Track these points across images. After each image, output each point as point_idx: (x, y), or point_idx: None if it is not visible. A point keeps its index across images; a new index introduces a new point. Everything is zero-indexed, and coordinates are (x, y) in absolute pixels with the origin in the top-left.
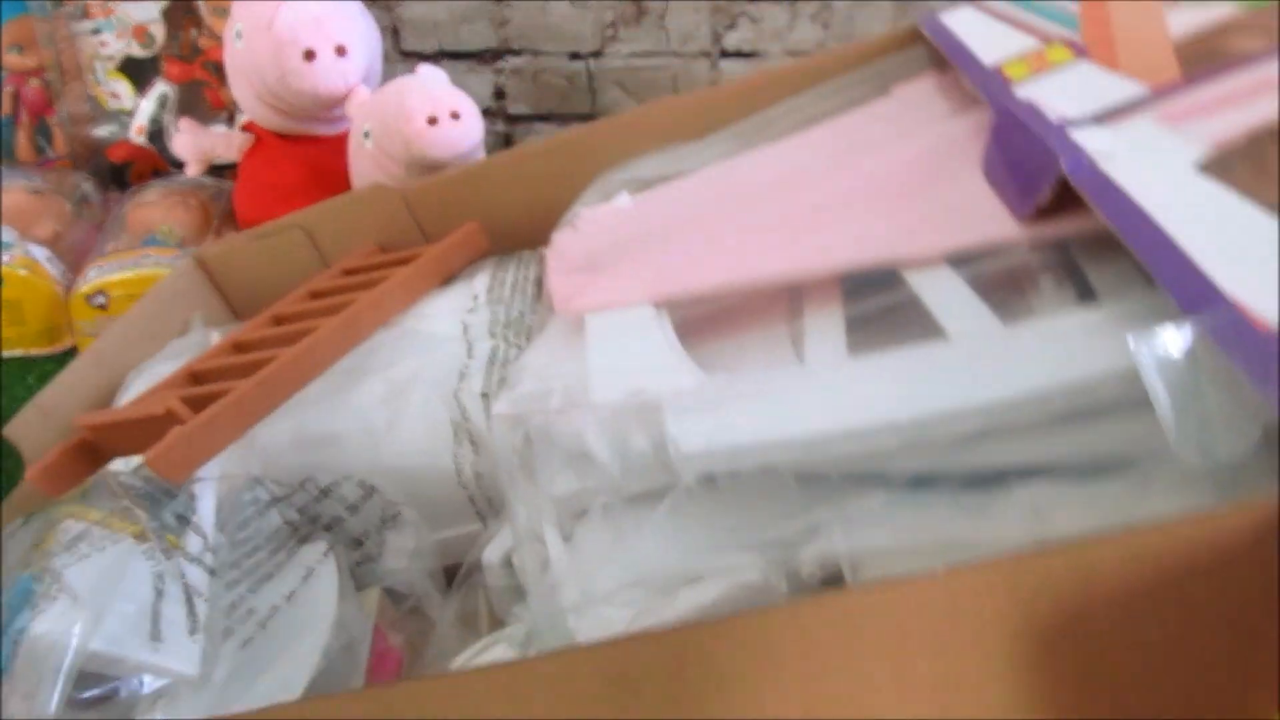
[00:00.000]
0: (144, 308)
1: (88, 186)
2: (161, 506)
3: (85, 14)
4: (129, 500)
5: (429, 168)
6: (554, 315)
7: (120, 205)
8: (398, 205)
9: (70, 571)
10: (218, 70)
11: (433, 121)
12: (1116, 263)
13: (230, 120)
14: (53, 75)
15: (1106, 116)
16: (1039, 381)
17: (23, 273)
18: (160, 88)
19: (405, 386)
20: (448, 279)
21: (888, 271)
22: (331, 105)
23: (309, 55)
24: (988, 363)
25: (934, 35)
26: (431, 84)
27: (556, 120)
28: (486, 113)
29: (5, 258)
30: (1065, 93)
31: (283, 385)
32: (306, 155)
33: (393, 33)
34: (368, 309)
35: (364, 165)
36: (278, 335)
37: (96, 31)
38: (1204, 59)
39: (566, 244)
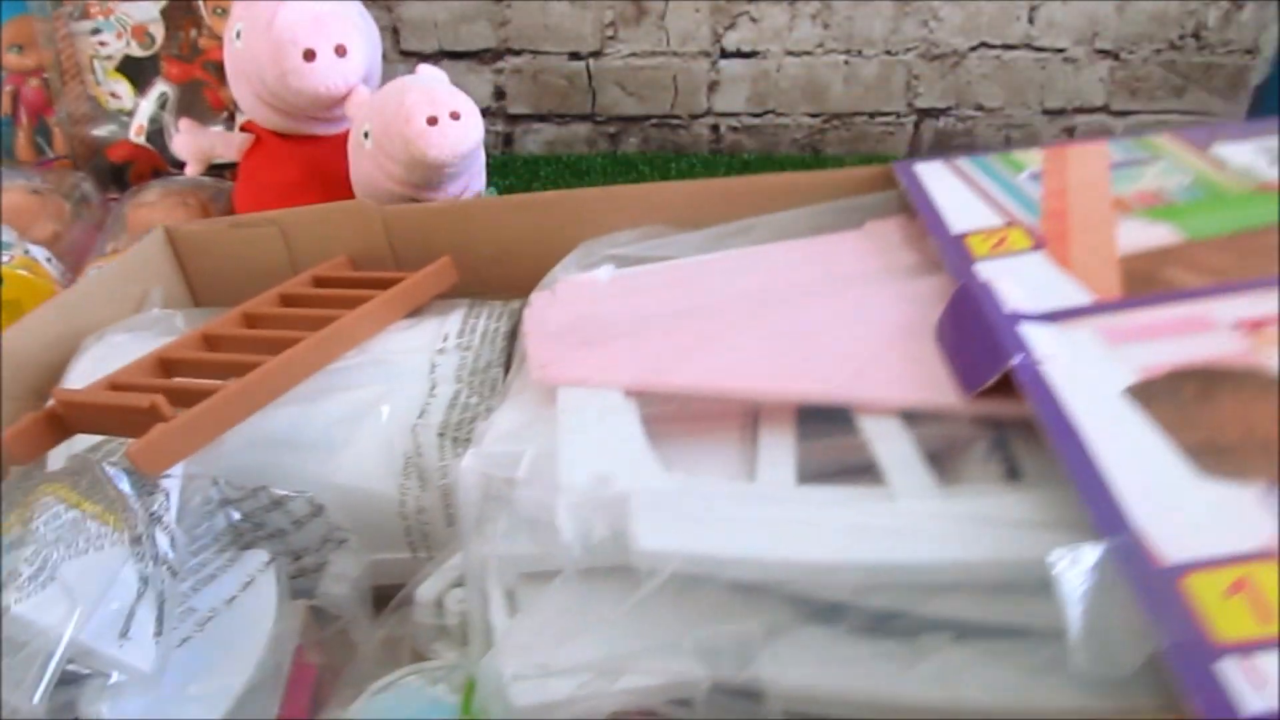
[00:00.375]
0: (112, 270)
1: (87, 186)
2: (142, 502)
3: (85, 14)
4: (115, 492)
5: (429, 167)
6: (526, 376)
7: (120, 205)
8: (376, 225)
9: (67, 565)
10: (218, 70)
11: (433, 121)
12: (1042, 449)
13: (230, 120)
14: (52, 75)
15: (1054, 316)
16: (968, 553)
17: (23, 273)
18: (160, 88)
19: (367, 410)
20: (418, 308)
21: (842, 409)
22: (331, 105)
23: (309, 55)
24: (924, 524)
25: (907, 185)
26: (431, 84)
27: (556, 120)
28: (486, 113)
29: (5, 258)
30: (1020, 282)
31: (263, 392)
32: (306, 155)
33: (393, 33)
34: (345, 329)
35: (364, 165)
36: (252, 338)
37: (96, 31)
38: (1144, 281)
39: (546, 309)
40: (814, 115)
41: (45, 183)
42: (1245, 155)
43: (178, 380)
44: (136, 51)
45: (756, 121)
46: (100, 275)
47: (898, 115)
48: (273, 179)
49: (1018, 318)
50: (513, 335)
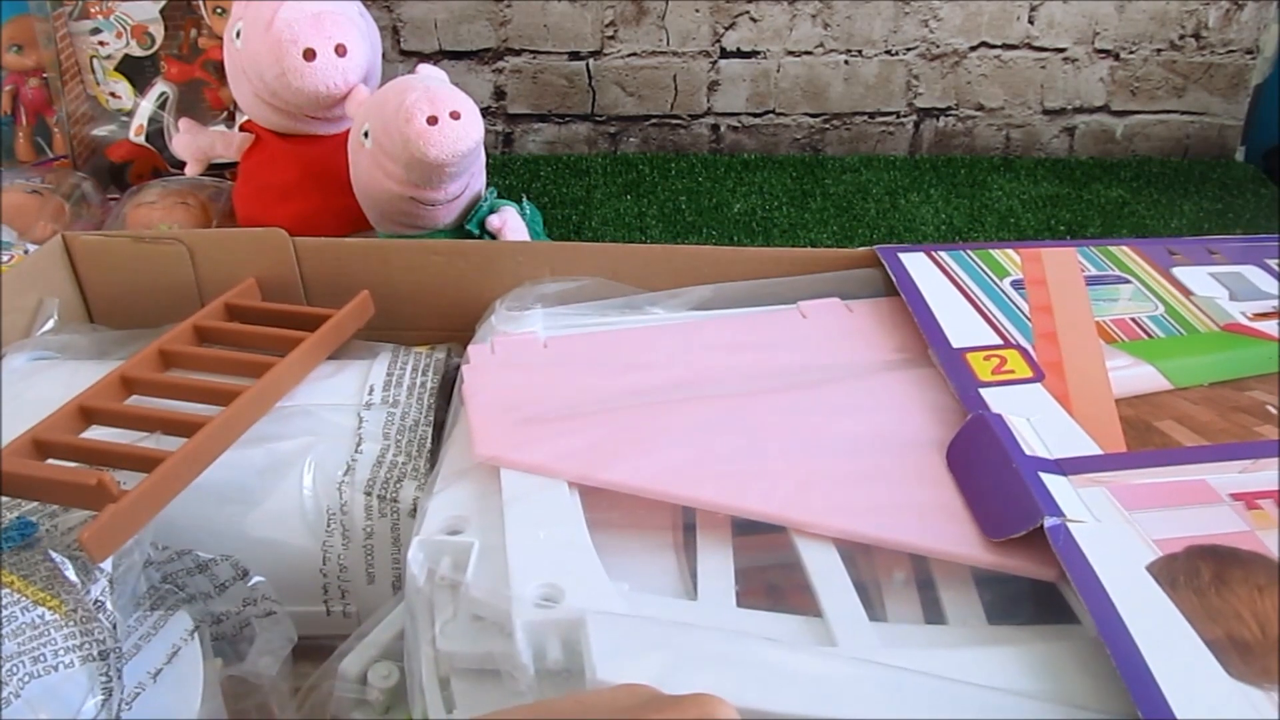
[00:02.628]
0: (7, 278)
1: (87, 186)
2: (87, 590)
3: (85, 14)
4: (65, 583)
5: (429, 167)
6: (464, 445)
7: (120, 205)
8: (286, 253)
9: (33, 686)
10: (218, 70)
11: (433, 121)
12: (968, 593)
13: (230, 120)
14: (52, 75)
15: (1066, 466)
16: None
17: None
18: (160, 87)
19: (291, 463)
20: (339, 345)
21: (779, 527)
22: (331, 104)
23: (309, 54)
24: (863, 677)
25: (898, 279)
26: (431, 84)
27: (556, 120)
28: (486, 113)
29: (5, 257)
30: (1030, 420)
31: (207, 456)
32: (306, 154)
33: (393, 33)
34: (279, 379)
35: (363, 164)
36: (177, 385)
37: (96, 31)
38: (1141, 431)
39: (484, 373)
40: (814, 115)
41: (45, 183)
42: (1205, 284)
43: (111, 444)
44: (136, 51)
45: (756, 121)
46: None
47: (898, 115)
48: (272, 178)
49: (1036, 463)
50: (440, 390)
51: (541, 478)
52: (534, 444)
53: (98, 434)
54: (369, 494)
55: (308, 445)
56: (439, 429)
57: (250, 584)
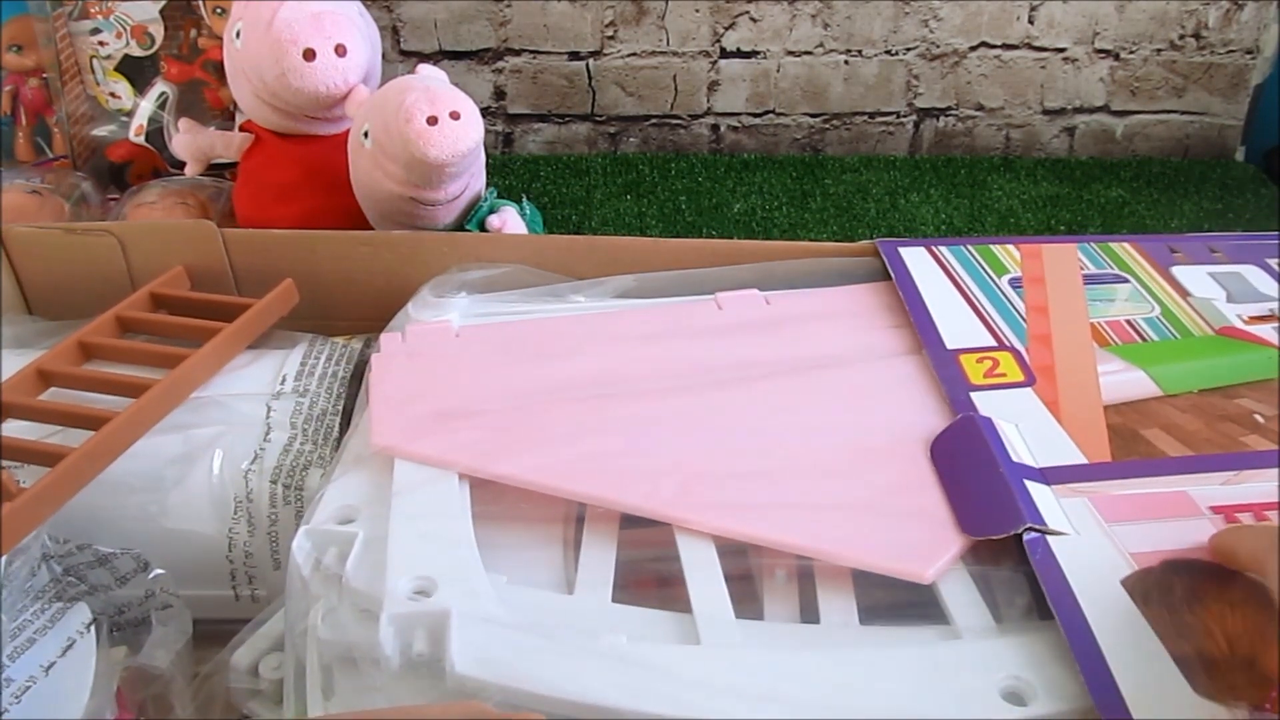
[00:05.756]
0: None
1: (87, 186)
2: None
3: (84, 14)
4: None
5: (429, 167)
6: (364, 436)
7: (119, 205)
8: (216, 245)
9: None
10: (218, 70)
11: (433, 121)
12: (845, 594)
13: (230, 120)
14: (52, 75)
15: (1050, 475)
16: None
17: None
18: (160, 87)
19: (200, 451)
20: (260, 334)
21: (664, 525)
22: (331, 105)
23: (308, 54)
24: (723, 674)
25: (895, 273)
26: (431, 83)
27: (556, 120)
28: (486, 113)
29: None
30: (1018, 425)
31: (112, 450)
32: (306, 155)
33: (393, 33)
34: (192, 371)
35: (363, 165)
36: (91, 378)
37: (96, 31)
38: (1127, 439)
39: (392, 361)
40: (814, 115)
41: (45, 183)
42: (1204, 285)
43: (14, 440)
44: (136, 51)
45: (756, 121)
46: None
47: (898, 115)
48: (272, 178)
49: (1021, 470)
50: (353, 379)
51: (433, 469)
52: (430, 435)
53: (12, 428)
54: (275, 482)
55: (217, 434)
56: (349, 418)
57: (151, 576)
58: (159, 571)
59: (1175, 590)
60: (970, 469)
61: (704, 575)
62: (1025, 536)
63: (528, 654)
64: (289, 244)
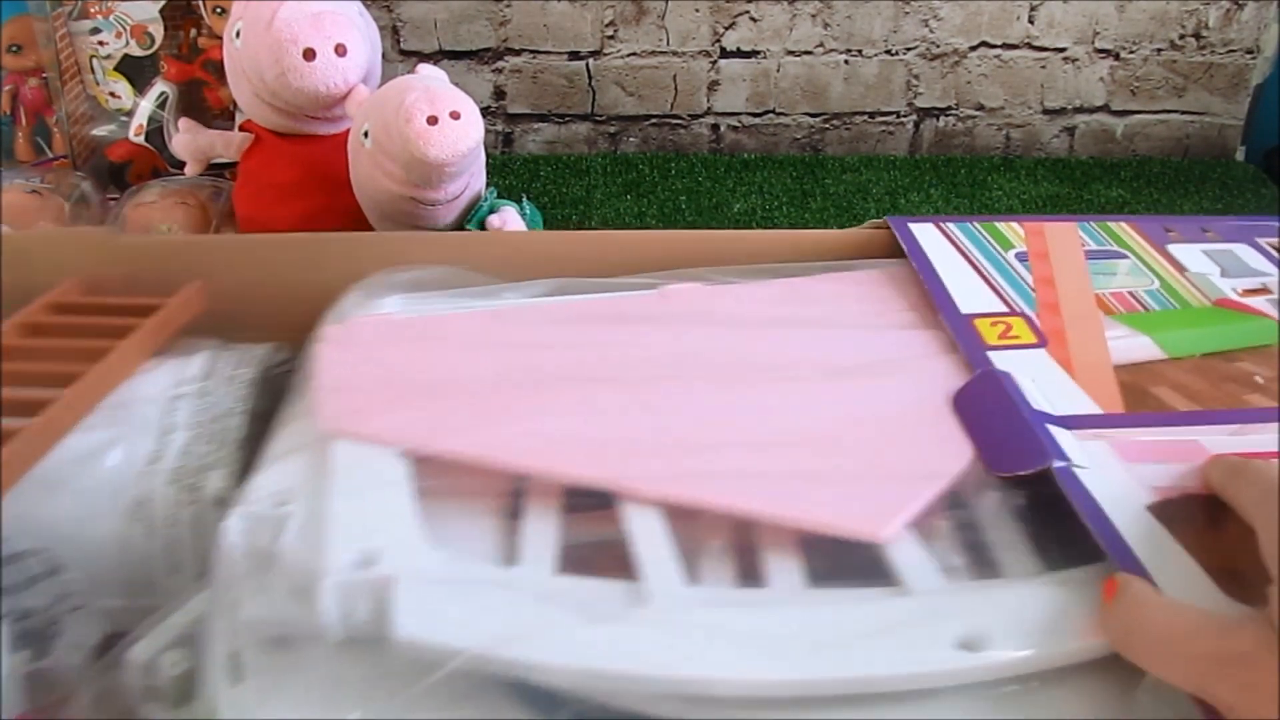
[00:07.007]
0: None
1: (86, 186)
2: None
3: (84, 13)
4: None
5: (429, 167)
6: (297, 429)
7: (119, 205)
8: (119, 251)
9: None
10: (217, 70)
11: (433, 121)
12: (791, 557)
13: (230, 120)
14: (51, 75)
15: (1071, 421)
16: (716, 672)
17: None
18: (159, 87)
19: (97, 453)
20: (170, 336)
21: (609, 499)
22: (331, 104)
23: (308, 54)
24: (677, 638)
25: (906, 244)
26: (431, 83)
27: (556, 120)
28: (486, 112)
29: None
30: (1035, 380)
31: (20, 464)
32: (306, 154)
33: (393, 32)
34: (98, 381)
35: (363, 165)
36: None
37: (95, 31)
38: (1138, 396)
39: (336, 352)
40: (814, 115)
41: (44, 183)
42: (1199, 261)
43: None
44: (136, 51)
45: (756, 121)
46: None
47: (898, 115)
48: (273, 178)
49: (1042, 416)
50: (258, 382)
51: (374, 447)
52: (374, 416)
53: None
54: (173, 484)
55: (115, 435)
56: (255, 419)
57: (61, 578)
58: (69, 573)
59: (1198, 517)
60: (994, 414)
61: (651, 542)
62: (1054, 466)
63: (473, 619)
64: (198, 249)
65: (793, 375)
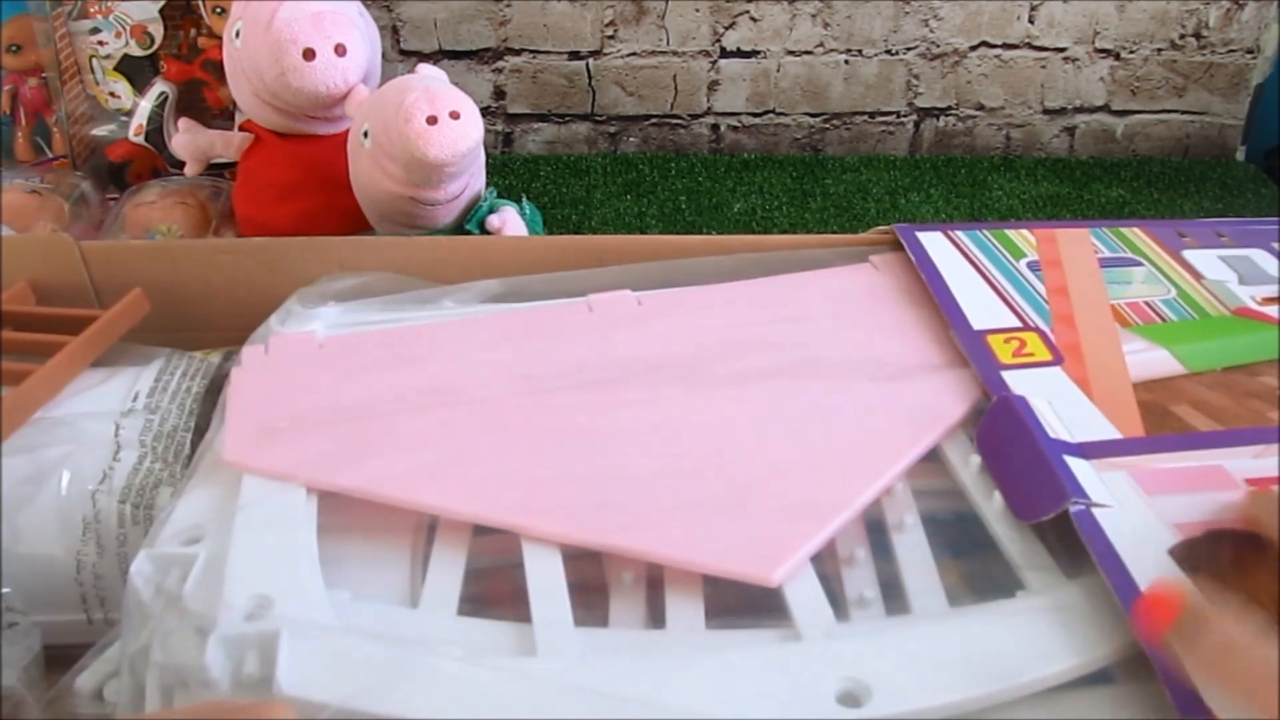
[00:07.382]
0: None
1: (86, 186)
2: None
3: (84, 13)
4: None
5: (428, 167)
6: (216, 453)
7: (119, 205)
8: (72, 257)
9: None
10: (217, 70)
11: (432, 121)
12: (693, 596)
13: (230, 119)
14: (51, 75)
15: (1089, 450)
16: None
17: None
18: (159, 87)
19: (47, 472)
20: (111, 348)
21: (511, 535)
22: (331, 104)
23: (308, 54)
24: (551, 694)
25: (914, 255)
26: (431, 83)
27: (556, 120)
28: (486, 112)
29: None
30: (1051, 403)
31: None
32: (306, 154)
33: (393, 32)
34: (32, 390)
35: (363, 164)
36: None
37: (95, 31)
38: (1159, 416)
39: (252, 375)
40: (814, 115)
41: (44, 182)
42: (1215, 268)
43: None
44: (135, 51)
45: (756, 121)
46: None
47: (898, 115)
48: (272, 178)
49: (1060, 446)
50: (207, 394)
51: (280, 483)
52: (278, 448)
53: None
54: (124, 502)
55: (65, 455)
56: (203, 435)
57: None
58: (4, 590)
59: (1220, 558)
60: (1012, 451)
61: (545, 584)
62: (1071, 509)
63: (356, 671)
64: (149, 254)
65: (713, 385)
